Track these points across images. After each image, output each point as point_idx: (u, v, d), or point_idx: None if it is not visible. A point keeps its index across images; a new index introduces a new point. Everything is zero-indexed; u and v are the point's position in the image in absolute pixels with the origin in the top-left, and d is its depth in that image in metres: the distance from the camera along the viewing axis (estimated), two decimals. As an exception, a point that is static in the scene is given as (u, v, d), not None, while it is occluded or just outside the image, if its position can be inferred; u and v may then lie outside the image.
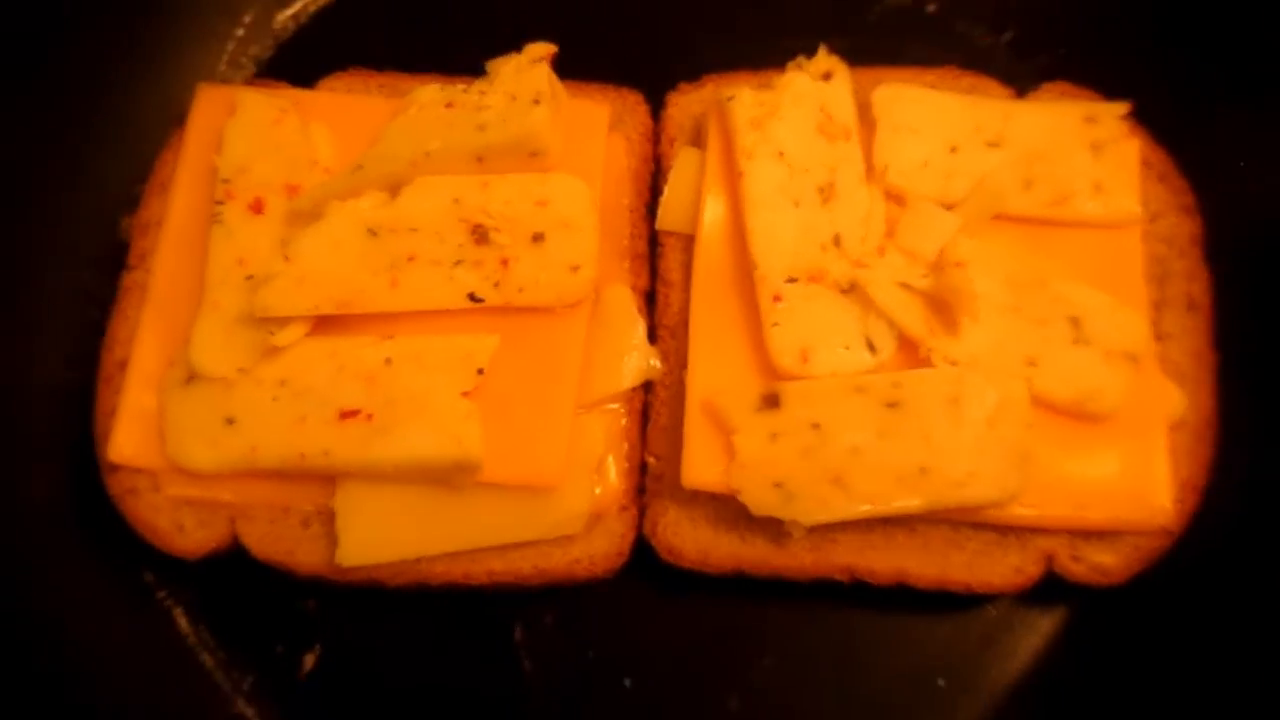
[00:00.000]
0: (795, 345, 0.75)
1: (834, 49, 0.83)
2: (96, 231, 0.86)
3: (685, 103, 0.86)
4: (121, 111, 0.89)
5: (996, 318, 0.76)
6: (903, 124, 0.81)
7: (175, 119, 0.86)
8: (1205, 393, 0.78)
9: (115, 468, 0.76)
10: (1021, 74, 0.89)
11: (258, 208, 0.81)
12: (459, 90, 0.81)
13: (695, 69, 0.88)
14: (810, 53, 0.83)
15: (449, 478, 0.74)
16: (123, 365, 0.79)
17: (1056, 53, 0.91)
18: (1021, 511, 0.74)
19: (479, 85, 0.81)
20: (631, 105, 0.87)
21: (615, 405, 0.78)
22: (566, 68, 0.81)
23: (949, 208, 0.79)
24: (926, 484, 0.72)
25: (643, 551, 0.77)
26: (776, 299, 0.76)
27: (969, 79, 0.86)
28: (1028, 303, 0.77)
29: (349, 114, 0.84)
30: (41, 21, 0.84)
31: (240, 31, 0.94)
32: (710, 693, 0.77)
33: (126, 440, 0.77)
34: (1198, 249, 0.81)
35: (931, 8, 0.95)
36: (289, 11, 0.95)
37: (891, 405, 0.73)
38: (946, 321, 0.76)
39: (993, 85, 0.87)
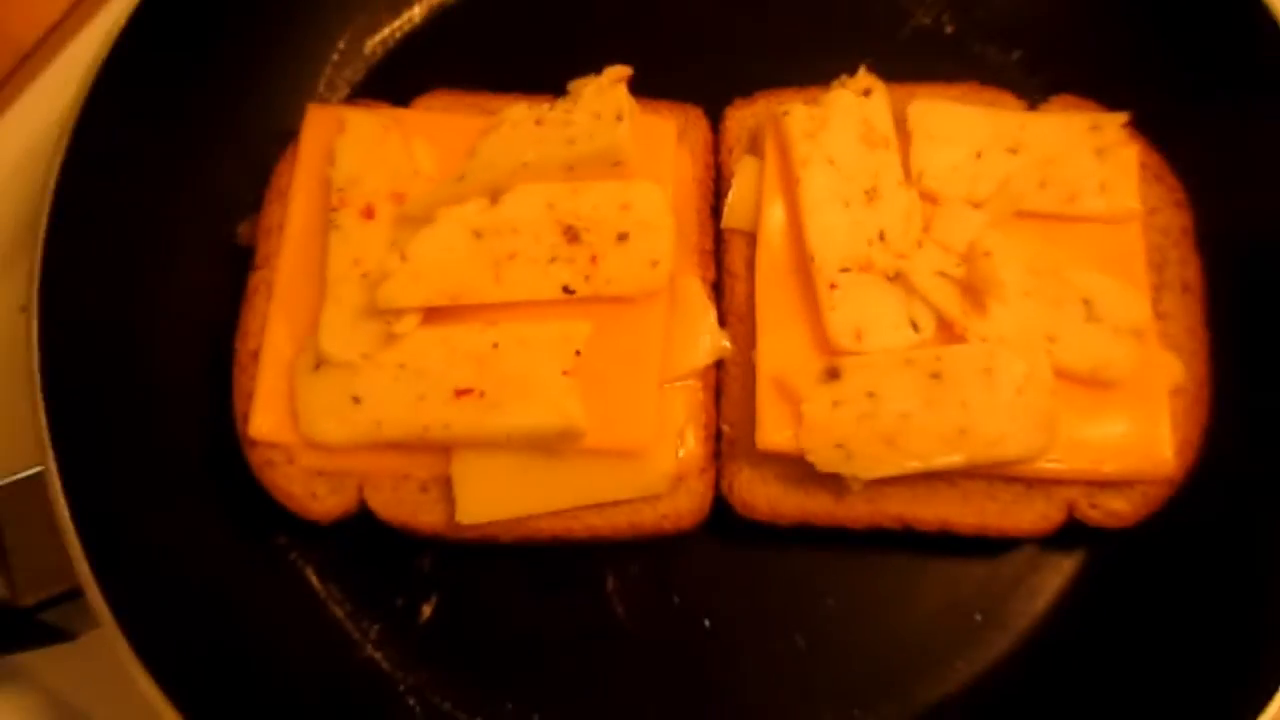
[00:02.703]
0: (850, 325, 0.87)
1: (869, 68, 0.95)
2: (219, 235, 0.96)
3: (741, 116, 0.98)
4: (232, 130, 0.99)
5: (1020, 300, 0.88)
6: (934, 134, 0.93)
7: (281, 135, 0.97)
8: (1200, 363, 0.90)
9: (255, 443, 0.87)
10: (1032, 88, 1.01)
11: (369, 214, 0.91)
12: (546, 108, 0.92)
13: (748, 86, 0.99)
14: (848, 72, 0.95)
15: (553, 445, 0.85)
16: (255, 354, 0.89)
17: (1061, 69, 1.03)
18: (1046, 466, 0.86)
19: (563, 104, 0.92)
20: (693, 119, 0.98)
21: (692, 381, 0.90)
22: (634, 86, 0.93)
23: (976, 206, 0.91)
24: (966, 443, 0.84)
25: (720, 507, 0.88)
26: (833, 287, 0.87)
27: (987, 93, 0.98)
28: (1046, 287, 0.89)
29: (445, 130, 0.95)
30: (161, 52, 0.95)
31: (335, 56, 1.05)
32: (780, 631, 0.88)
33: (264, 419, 0.87)
34: (1190, 239, 0.94)
35: (949, 29, 1.07)
36: (378, 37, 1.06)
37: (934, 376, 0.85)
38: (977, 304, 0.88)
39: (1008, 98, 0.99)
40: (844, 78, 0.95)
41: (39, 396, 0.80)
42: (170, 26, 0.94)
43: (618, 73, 0.92)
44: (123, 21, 0.91)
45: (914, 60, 1.04)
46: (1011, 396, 0.85)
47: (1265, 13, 0.93)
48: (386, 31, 1.06)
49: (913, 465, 0.84)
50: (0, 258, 1.03)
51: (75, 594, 0.76)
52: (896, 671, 0.88)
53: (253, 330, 0.90)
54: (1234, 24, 0.95)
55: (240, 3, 0.99)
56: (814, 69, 0.98)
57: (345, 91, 1.05)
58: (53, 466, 0.78)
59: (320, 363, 0.87)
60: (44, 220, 0.86)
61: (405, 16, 1.07)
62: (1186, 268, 0.93)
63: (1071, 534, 0.88)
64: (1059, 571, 0.90)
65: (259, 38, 1.01)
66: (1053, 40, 1.05)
